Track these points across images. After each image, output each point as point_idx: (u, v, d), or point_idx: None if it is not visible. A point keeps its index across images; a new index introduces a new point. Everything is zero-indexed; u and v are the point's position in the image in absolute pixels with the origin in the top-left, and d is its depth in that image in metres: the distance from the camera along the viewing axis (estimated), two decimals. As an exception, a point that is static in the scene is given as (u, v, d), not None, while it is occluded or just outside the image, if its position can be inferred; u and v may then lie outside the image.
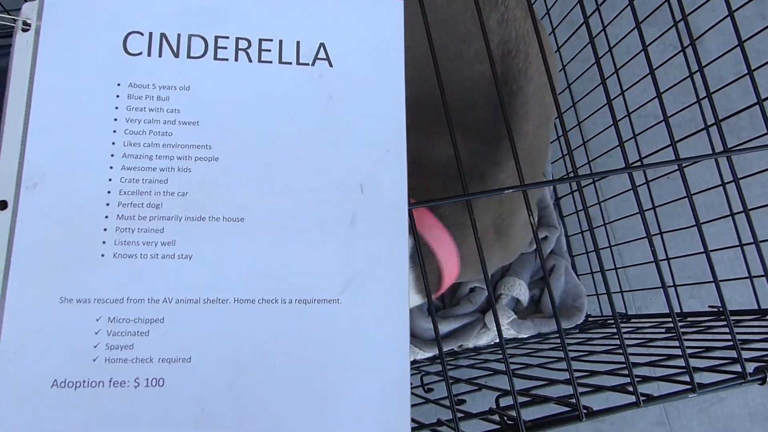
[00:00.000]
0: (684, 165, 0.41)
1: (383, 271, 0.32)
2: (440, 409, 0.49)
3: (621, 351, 0.36)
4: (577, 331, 0.79)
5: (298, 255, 0.32)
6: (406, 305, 0.32)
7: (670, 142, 0.43)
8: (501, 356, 0.68)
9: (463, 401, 0.52)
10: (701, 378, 0.37)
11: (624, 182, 0.92)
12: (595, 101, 0.83)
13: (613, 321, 0.78)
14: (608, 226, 0.84)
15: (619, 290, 0.80)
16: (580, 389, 0.37)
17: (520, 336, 0.79)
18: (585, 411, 0.33)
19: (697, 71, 0.56)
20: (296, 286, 0.31)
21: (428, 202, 0.36)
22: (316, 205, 0.32)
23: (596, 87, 0.78)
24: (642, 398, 0.33)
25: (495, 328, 0.78)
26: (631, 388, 0.35)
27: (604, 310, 0.86)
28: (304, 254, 0.32)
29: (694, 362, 0.41)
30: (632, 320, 0.76)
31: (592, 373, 0.44)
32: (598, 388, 0.37)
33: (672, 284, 0.68)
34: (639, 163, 0.73)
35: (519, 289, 0.79)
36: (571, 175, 0.86)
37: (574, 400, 0.34)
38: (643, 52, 0.46)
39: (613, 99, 0.74)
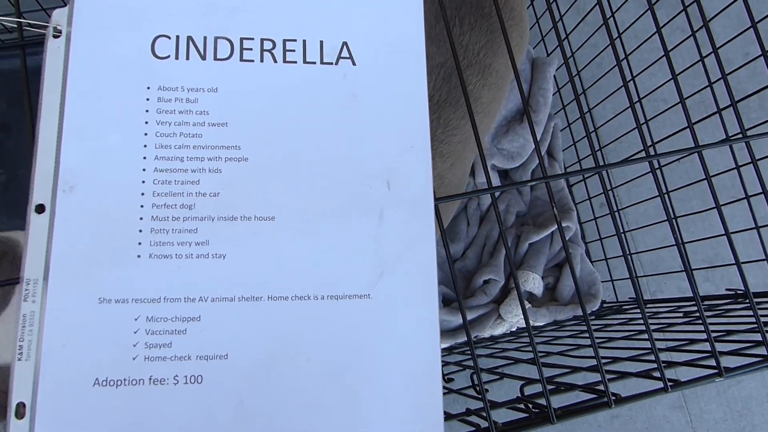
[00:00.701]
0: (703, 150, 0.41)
1: (412, 266, 0.33)
2: (463, 399, 0.50)
3: (640, 337, 0.37)
4: (594, 317, 0.79)
5: (329, 252, 0.32)
6: (435, 298, 0.33)
7: (680, 127, 0.43)
8: (519, 345, 0.69)
9: (486, 390, 0.53)
10: (722, 361, 0.38)
11: (635, 168, 0.92)
12: (602, 88, 0.83)
13: (628, 306, 0.79)
14: (620, 212, 0.84)
15: (634, 275, 0.80)
16: (607, 375, 0.37)
17: (536, 324, 0.80)
18: (614, 398, 0.33)
19: (710, 53, 0.56)
20: (328, 282, 0.32)
21: (451, 197, 0.36)
22: (344, 202, 0.33)
23: (607, 72, 0.78)
24: (669, 383, 0.34)
25: (509, 319, 0.79)
26: (656, 374, 0.35)
27: (619, 296, 0.86)
28: (335, 251, 0.32)
29: (717, 346, 0.42)
30: (648, 305, 0.76)
31: (615, 360, 0.44)
32: (623, 375, 0.38)
33: (689, 268, 0.68)
34: (652, 150, 0.73)
35: (533, 283, 0.79)
36: (587, 166, 0.87)
37: (599, 387, 0.35)
38: (652, 36, 0.46)
39: (621, 87, 0.74)
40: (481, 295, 0.81)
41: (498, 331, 0.81)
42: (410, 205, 0.33)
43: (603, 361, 0.46)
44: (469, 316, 0.79)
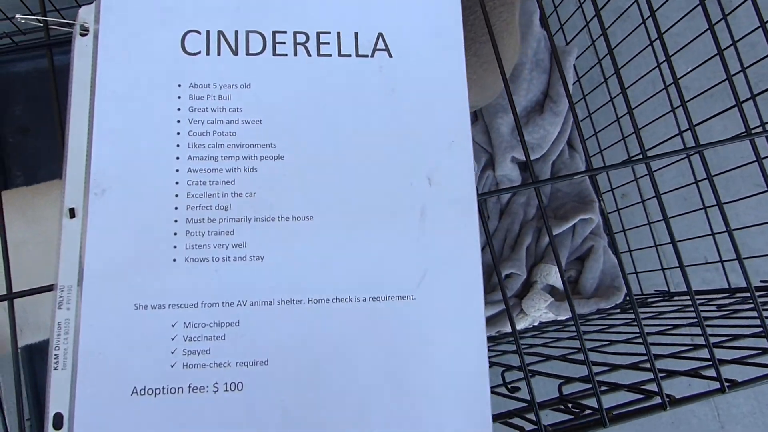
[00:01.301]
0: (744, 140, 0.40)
1: (456, 265, 0.32)
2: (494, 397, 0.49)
3: (674, 332, 0.36)
4: (618, 311, 0.78)
5: (370, 252, 0.31)
6: (481, 297, 0.32)
7: (709, 115, 0.42)
8: (546, 341, 0.68)
9: (518, 389, 0.52)
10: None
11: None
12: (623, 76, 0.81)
13: (654, 299, 0.77)
14: (644, 202, 0.82)
15: (660, 268, 0.79)
16: (648, 375, 0.36)
17: (560, 318, 0.79)
18: (668, 399, 0.32)
19: (729, 46, 0.55)
20: (369, 284, 0.31)
21: (495, 192, 0.35)
22: (384, 200, 0.32)
23: (635, 56, 0.77)
24: (726, 384, 0.33)
25: (532, 313, 0.78)
26: (706, 373, 0.34)
27: (644, 288, 0.85)
28: (376, 251, 0.31)
29: (761, 341, 0.41)
30: (675, 298, 0.75)
31: (656, 357, 0.43)
32: (671, 373, 0.37)
33: (719, 259, 0.67)
34: (680, 138, 0.71)
35: (555, 277, 0.78)
36: (609, 156, 0.85)
37: (648, 387, 0.34)
38: (675, 24, 0.44)
39: (646, 74, 0.72)
40: (503, 289, 0.80)
41: (520, 325, 0.80)
42: (453, 202, 0.32)
43: (640, 358, 0.45)
44: (491, 311, 0.78)
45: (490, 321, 0.79)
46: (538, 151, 0.83)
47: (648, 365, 0.37)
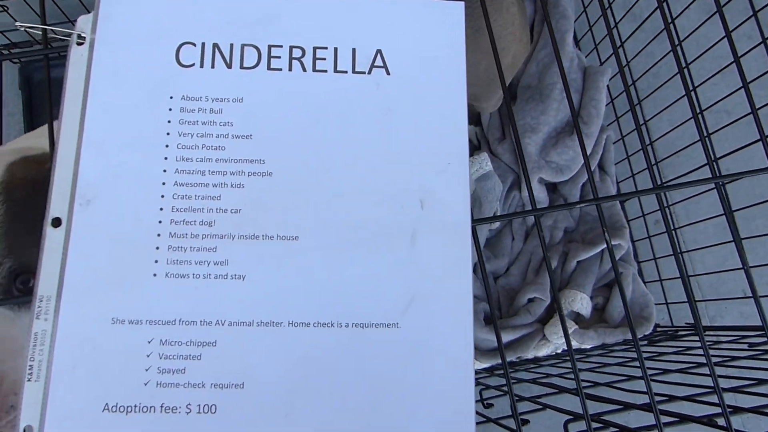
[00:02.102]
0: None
1: (445, 292, 0.30)
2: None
3: (699, 371, 0.33)
4: (646, 342, 0.75)
5: (355, 276, 0.30)
6: (470, 327, 0.30)
7: (746, 142, 0.39)
8: (563, 371, 0.65)
9: (527, 422, 0.50)
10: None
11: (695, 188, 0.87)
12: (658, 99, 0.78)
13: (685, 332, 0.74)
14: (677, 230, 0.79)
15: (692, 299, 0.75)
16: (663, 418, 0.34)
17: (583, 347, 0.76)
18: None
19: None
20: (353, 309, 0.30)
21: (489, 219, 0.33)
22: (373, 223, 0.31)
23: (665, 83, 0.74)
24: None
25: (555, 340, 0.75)
26: (720, 421, 0.31)
27: (675, 320, 0.81)
28: (361, 275, 0.30)
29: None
30: (708, 332, 0.71)
31: (671, 398, 0.40)
32: (683, 419, 0.34)
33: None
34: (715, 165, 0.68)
35: (581, 303, 0.75)
36: (641, 181, 0.82)
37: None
38: (716, 44, 0.42)
39: (680, 98, 0.69)
40: (525, 314, 0.77)
41: (542, 352, 0.77)
42: (445, 227, 0.31)
43: (657, 399, 0.42)
44: (512, 336, 0.76)
45: (510, 346, 0.76)
46: (567, 172, 0.80)
47: (660, 406, 0.35)
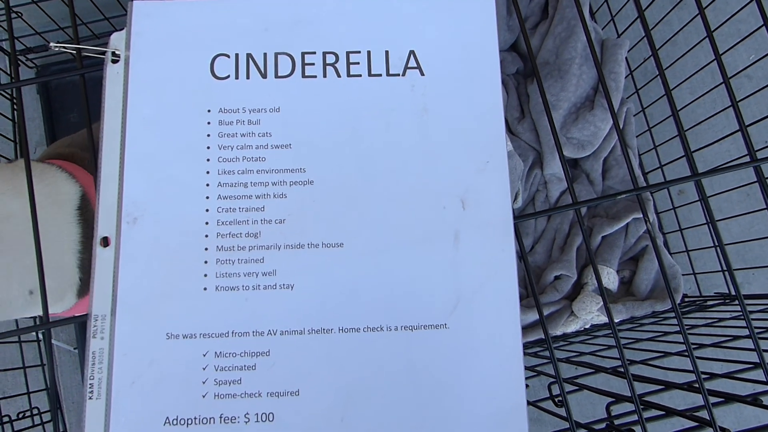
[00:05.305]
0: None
1: (491, 290, 0.30)
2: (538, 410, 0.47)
3: (735, 344, 0.33)
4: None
5: (401, 279, 0.30)
6: (518, 324, 0.30)
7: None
8: (596, 348, 0.65)
9: (562, 404, 0.50)
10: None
11: (721, 153, 0.86)
12: (678, 69, 0.77)
13: (714, 302, 0.74)
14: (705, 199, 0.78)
15: (720, 269, 0.75)
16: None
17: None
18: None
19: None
20: (401, 312, 0.30)
21: (532, 215, 0.33)
22: (416, 225, 0.31)
23: (687, 53, 0.73)
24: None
25: (583, 316, 0.75)
26: (767, 400, 0.32)
27: (702, 289, 0.81)
28: (407, 278, 0.30)
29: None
30: (736, 302, 0.71)
31: (712, 376, 0.41)
32: (728, 398, 0.34)
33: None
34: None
35: (608, 278, 0.75)
36: (663, 152, 0.81)
37: (702, 415, 0.32)
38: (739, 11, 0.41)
39: (702, 68, 0.68)
40: (552, 291, 0.77)
41: (571, 328, 0.77)
42: (488, 226, 0.31)
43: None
44: (540, 315, 0.76)
45: (539, 324, 0.77)
46: (588, 147, 0.79)
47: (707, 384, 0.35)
